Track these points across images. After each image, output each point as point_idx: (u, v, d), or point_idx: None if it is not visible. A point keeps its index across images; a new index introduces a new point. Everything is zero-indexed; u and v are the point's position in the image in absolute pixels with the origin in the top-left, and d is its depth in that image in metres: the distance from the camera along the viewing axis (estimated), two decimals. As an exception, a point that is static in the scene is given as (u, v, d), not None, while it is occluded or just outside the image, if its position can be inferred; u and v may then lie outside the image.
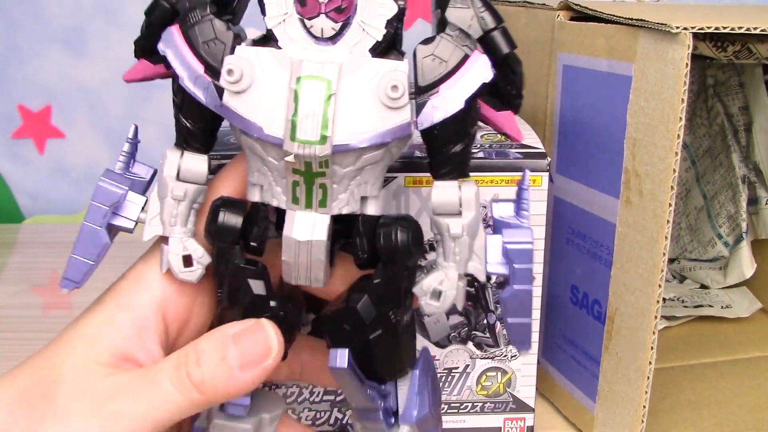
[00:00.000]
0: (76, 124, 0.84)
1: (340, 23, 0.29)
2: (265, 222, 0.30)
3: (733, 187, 0.65)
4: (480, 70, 0.29)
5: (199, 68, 0.29)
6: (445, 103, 0.29)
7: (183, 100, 0.30)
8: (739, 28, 0.37)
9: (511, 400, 0.45)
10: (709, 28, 0.36)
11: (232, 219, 0.30)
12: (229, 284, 0.31)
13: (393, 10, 0.29)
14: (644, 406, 0.42)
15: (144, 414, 0.29)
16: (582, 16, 0.44)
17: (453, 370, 0.44)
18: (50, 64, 0.82)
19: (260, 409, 0.33)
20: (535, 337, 0.44)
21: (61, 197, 0.86)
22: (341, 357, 0.30)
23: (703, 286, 0.68)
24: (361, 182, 0.29)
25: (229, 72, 0.28)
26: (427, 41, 0.29)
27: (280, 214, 0.30)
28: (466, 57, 0.29)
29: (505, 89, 0.30)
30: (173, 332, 0.32)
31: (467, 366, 0.45)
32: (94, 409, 0.28)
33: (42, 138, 0.84)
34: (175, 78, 0.30)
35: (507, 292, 0.31)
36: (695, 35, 0.36)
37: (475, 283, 0.43)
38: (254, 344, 0.30)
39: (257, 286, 0.30)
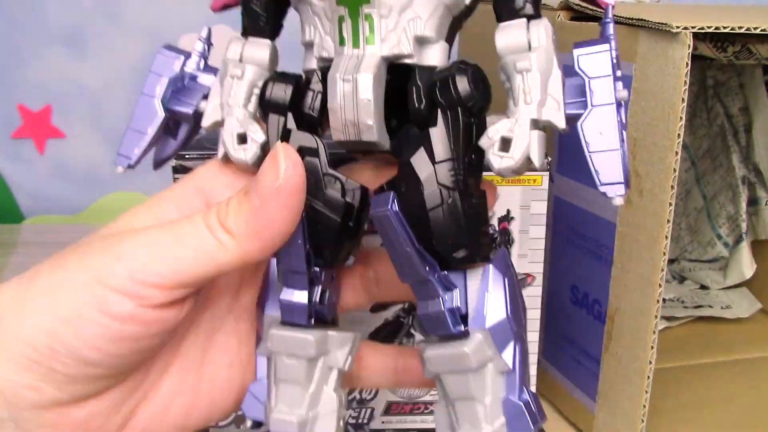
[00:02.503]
0: (76, 124, 0.84)
1: None
2: (318, 85, 0.29)
3: (733, 188, 0.65)
4: None
5: None
6: None
7: None
8: (739, 28, 0.37)
9: (511, 399, 0.45)
10: (709, 28, 0.36)
11: (281, 87, 0.29)
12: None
13: None
14: (644, 406, 0.42)
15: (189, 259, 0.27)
16: (582, 16, 0.44)
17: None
18: (50, 64, 0.82)
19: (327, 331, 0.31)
20: (535, 336, 0.44)
21: (61, 197, 0.86)
22: (385, 199, 0.27)
23: (703, 287, 0.68)
24: (414, 16, 0.27)
25: None
26: None
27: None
28: None
29: None
30: None
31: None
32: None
33: (42, 138, 0.84)
34: None
35: (585, 116, 0.26)
36: (695, 35, 0.36)
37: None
38: (268, 172, 0.27)
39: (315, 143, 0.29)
